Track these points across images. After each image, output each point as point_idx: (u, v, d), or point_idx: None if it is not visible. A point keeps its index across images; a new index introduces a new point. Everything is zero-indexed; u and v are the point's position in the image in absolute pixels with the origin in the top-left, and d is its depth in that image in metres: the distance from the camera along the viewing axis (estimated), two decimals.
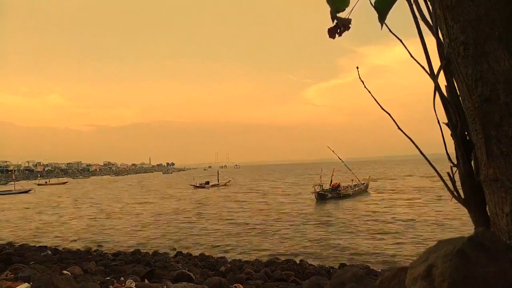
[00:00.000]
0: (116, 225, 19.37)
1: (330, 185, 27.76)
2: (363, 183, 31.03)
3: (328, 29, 1.03)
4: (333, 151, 29.53)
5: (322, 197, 25.47)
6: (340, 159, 29.67)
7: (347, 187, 28.88)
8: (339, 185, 27.76)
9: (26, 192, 50.10)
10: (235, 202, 28.39)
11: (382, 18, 0.98)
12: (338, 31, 1.03)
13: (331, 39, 1.06)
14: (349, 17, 1.03)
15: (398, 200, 24.57)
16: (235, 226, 17.64)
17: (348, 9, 1.01)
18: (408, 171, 71.95)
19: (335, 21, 1.03)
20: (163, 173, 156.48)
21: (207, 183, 44.53)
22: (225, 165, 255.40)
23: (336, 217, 18.96)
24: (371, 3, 0.98)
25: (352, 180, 30.05)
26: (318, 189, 26.24)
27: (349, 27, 1.02)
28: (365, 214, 19.52)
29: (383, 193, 29.96)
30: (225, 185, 46.15)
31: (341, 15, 1.02)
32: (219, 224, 18.43)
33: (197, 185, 43.29)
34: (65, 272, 7.19)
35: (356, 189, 29.08)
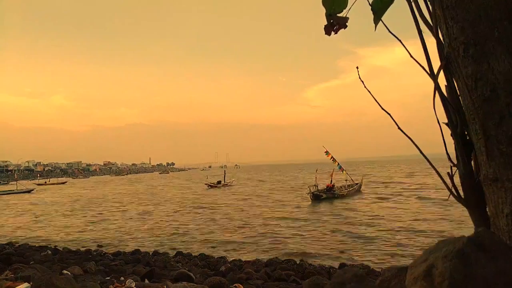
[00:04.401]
0: None
1: (326, 185, 27.97)
2: (357, 183, 31.26)
3: (324, 26, 1.03)
4: (326, 151, 29.69)
5: (317, 197, 25.60)
6: (335, 159, 29.89)
7: (341, 187, 29.01)
8: (333, 186, 27.92)
9: (28, 192, 50.00)
10: (234, 202, 28.41)
11: (377, 18, 0.98)
12: (334, 28, 1.03)
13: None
14: (347, 16, 1.03)
15: (391, 200, 24.71)
16: (235, 226, 17.65)
17: (345, 10, 1.01)
18: (408, 170, 71.92)
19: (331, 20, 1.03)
20: (160, 173, 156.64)
21: (219, 182, 47.07)
22: (225, 165, 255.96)
23: (332, 217, 18.98)
24: (369, 2, 0.98)
25: (346, 180, 30.35)
26: (313, 189, 26.33)
27: (346, 25, 1.02)
28: (362, 213, 19.54)
29: (376, 193, 30.04)
30: (229, 184, 48.35)
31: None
32: (218, 224, 18.46)
33: (211, 184, 45.61)
34: (65, 272, 7.19)
35: (350, 189, 29.30)
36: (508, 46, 0.80)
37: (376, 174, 61.51)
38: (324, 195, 26.04)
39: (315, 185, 26.93)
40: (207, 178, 54.75)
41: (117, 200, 34.06)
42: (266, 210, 22.57)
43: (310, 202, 25.10)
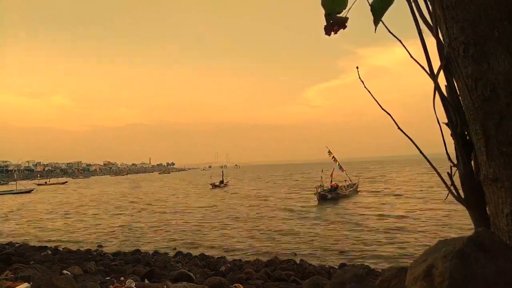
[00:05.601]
0: None
1: (329, 184, 28.01)
2: (354, 183, 31.47)
3: (324, 26, 1.03)
4: (329, 151, 29.81)
5: (323, 197, 25.66)
6: (336, 159, 30.00)
7: (341, 187, 29.25)
8: (337, 186, 28.02)
9: (28, 192, 50.00)
10: (239, 202, 28.48)
11: (377, 19, 0.98)
12: (334, 28, 1.03)
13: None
14: (346, 16, 1.02)
15: (389, 201, 24.78)
16: (238, 226, 17.68)
17: (345, 10, 1.01)
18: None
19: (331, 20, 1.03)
20: (159, 173, 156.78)
21: (221, 182, 48.61)
22: (225, 165, 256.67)
23: (339, 217, 19.04)
24: (368, 2, 0.98)
25: (345, 180, 30.65)
26: (319, 189, 26.38)
27: (345, 25, 1.02)
28: (364, 213, 19.57)
29: (373, 194, 30.20)
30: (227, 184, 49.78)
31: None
32: (222, 223, 18.50)
33: (215, 184, 46.90)
34: (65, 272, 7.19)
35: (351, 189, 29.65)
36: (508, 46, 0.80)
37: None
38: (329, 195, 26.18)
39: (321, 185, 26.97)
40: (211, 178, 55.88)
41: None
42: (270, 210, 22.63)
43: (316, 203, 25.17)
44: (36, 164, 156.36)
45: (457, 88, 0.95)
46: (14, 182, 56.72)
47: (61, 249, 13.18)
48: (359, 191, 31.33)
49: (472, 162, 0.95)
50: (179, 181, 71.64)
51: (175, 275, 7.59)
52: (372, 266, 9.67)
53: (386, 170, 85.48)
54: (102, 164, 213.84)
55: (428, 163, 1.10)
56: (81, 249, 13.25)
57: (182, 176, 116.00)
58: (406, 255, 11.03)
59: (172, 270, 8.58)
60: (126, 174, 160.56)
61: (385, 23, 1.00)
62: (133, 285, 6.03)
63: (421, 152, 1.12)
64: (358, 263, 10.28)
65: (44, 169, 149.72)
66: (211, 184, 46.84)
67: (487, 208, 0.91)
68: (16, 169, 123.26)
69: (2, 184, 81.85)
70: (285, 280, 7.99)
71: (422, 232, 14.24)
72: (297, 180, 56.19)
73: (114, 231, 17.76)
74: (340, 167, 30.17)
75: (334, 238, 14.11)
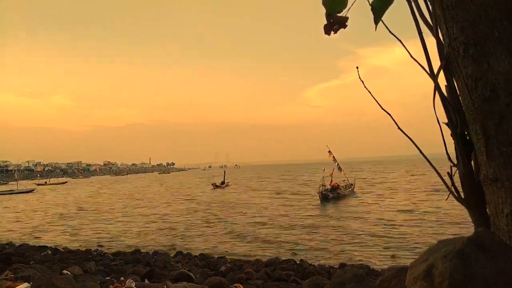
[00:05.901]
0: None
1: (329, 184, 28.04)
2: (352, 184, 31.60)
3: (324, 25, 1.03)
4: (329, 150, 29.86)
5: (325, 197, 25.73)
6: (335, 159, 30.04)
7: (341, 187, 29.30)
8: (338, 186, 28.05)
9: (28, 192, 50.06)
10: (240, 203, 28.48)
11: (377, 18, 0.98)
12: (334, 28, 1.03)
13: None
14: (347, 16, 1.02)
15: (388, 201, 24.78)
16: (241, 225, 17.70)
17: (345, 10, 1.01)
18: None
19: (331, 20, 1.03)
20: (159, 173, 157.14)
21: (223, 183, 49.38)
22: (225, 165, 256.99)
23: (340, 217, 19.06)
24: (369, 2, 0.98)
25: (344, 180, 30.76)
26: (321, 189, 26.44)
27: (346, 25, 1.02)
28: (364, 214, 19.58)
29: (369, 193, 30.29)
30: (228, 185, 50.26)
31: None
32: (225, 221, 18.52)
33: (217, 185, 47.37)
34: (65, 272, 7.19)
35: (349, 189, 29.79)
36: (508, 46, 0.80)
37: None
38: (331, 195, 26.29)
39: (323, 184, 27.04)
40: (213, 177, 56.43)
41: None
42: (273, 211, 22.66)
43: (318, 202, 25.22)
44: (36, 164, 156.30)
45: (457, 88, 0.95)
46: (15, 182, 56.72)
47: (61, 249, 13.19)
48: (355, 191, 31.39)
49: (472, 162, 0.95)
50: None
51: (175, 275, 7.59)
52: (372, 266, 9.67)
53: (380, 170, 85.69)
54: (102, 164, 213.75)
55: (428, 163, 1.10)
56: (81, 249, 13.25)
57: (181, 176, 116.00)
58: (405, 255, 11.03)
59: (172, 270, 8.58)
60: (126, 174, 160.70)
61: (385, 23, 1.00)
62: (133, 285, 6.03)
63: (421, 152, 1.12)
64: (358, 263, 10.27)
65: (44, 169, 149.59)
66: (212, 185, 47.20)
67: (487, 208, 0.91)
68: (16, 169, 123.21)
69: (2, 184, 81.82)
70: (285, 280, 7.99)
71: (421, 232, 14.24)
72: (298, 180, 56.22)
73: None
74: (339, 167, 30.28)
75: (334, 238, 14.11)
